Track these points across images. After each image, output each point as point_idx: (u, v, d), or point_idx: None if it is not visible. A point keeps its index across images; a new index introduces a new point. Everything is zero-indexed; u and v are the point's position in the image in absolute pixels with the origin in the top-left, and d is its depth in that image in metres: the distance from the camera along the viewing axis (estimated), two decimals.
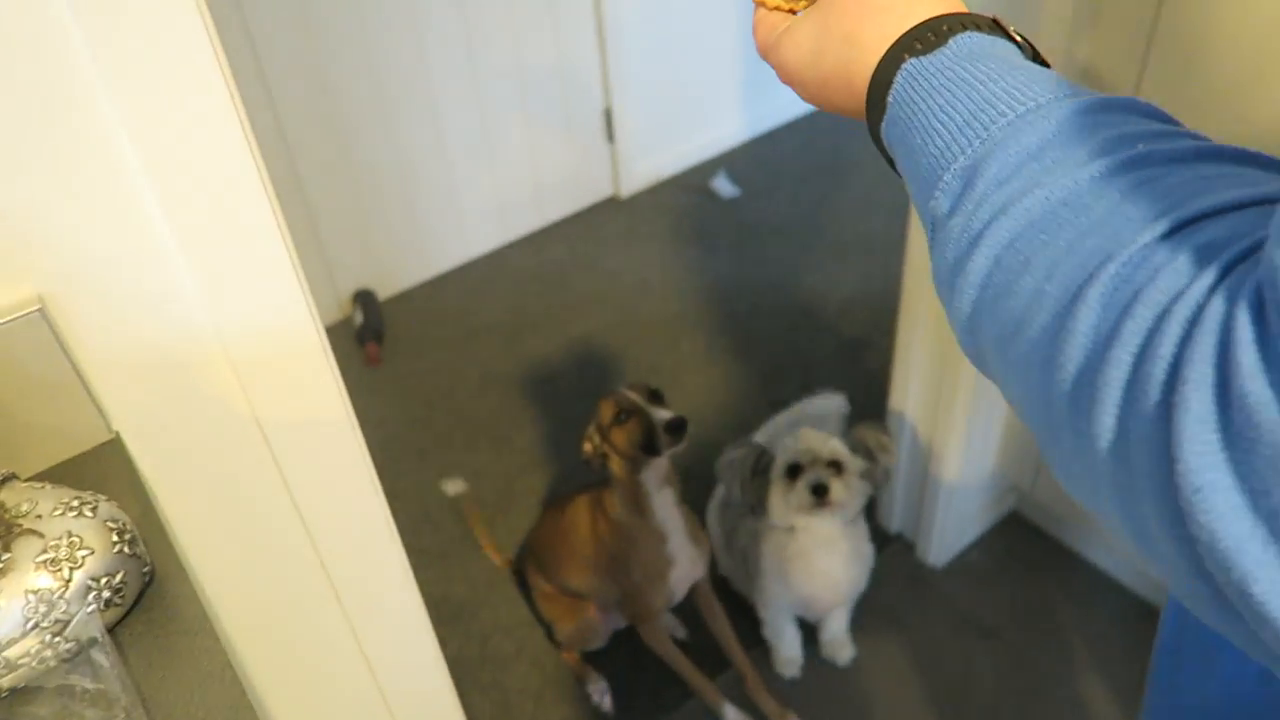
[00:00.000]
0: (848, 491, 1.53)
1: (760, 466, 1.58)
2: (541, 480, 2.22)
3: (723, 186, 3.11)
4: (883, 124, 0.46)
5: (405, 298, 2.84)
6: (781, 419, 1.96)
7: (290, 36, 2.34)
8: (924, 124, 0.42)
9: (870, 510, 2.05)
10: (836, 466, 1.53)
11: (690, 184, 3.18)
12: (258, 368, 0.76)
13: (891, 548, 1.99)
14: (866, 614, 1.87)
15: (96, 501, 0.58)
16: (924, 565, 1.96)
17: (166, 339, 0.71)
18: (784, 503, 1.56)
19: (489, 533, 2.05)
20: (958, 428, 1.72)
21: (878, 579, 1.93)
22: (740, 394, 2.39)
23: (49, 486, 0.59)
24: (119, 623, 0.57)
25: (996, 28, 0.45)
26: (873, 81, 0.46)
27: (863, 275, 2.72)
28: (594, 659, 1.85)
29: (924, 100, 0.42)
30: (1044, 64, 0.45)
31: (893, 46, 0.45)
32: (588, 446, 1.55)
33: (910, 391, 1.78)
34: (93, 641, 0.54)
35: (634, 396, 1.49)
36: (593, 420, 1.54)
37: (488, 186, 2.87)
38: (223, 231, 0.70)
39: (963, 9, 0.46)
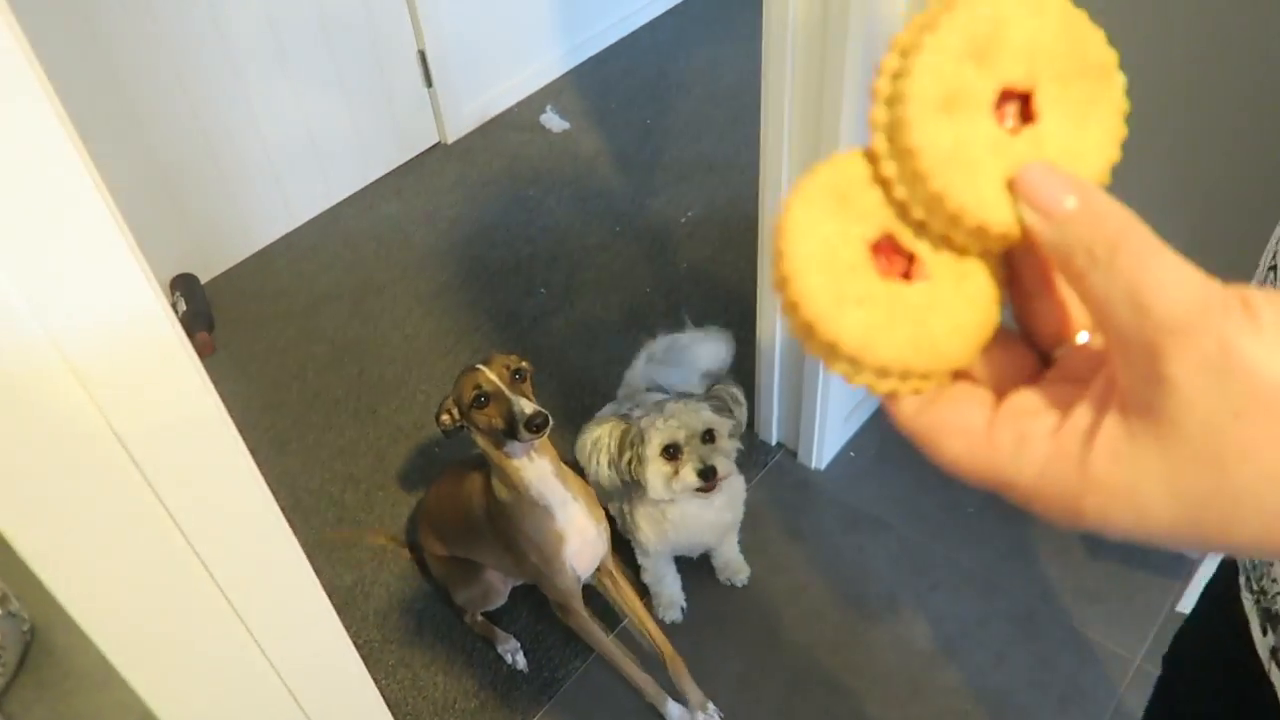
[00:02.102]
0: (729, 460, 1.50)
1: (629, 442, 1.52)
2: (415, 446, 2.13)
3: (552, 120, 3.02)
4: None
5: (230, 277, 2.64)
6: (643, 360, 1.91)
7: (64, 12, 2.08)
8: None
9: (749, 424, 2.08)
10: (710, 435, 1.50)
11: (518, 122, 3.07)
12: (106, 373, 0.66)
13: (774, 458, 2.03)
14: (760, 527, 1.91)
15: None
16: (808, 470, 2.00)
17: None
18: (665, 483, 1.50)
19: (373, 530, 1.95)
20: None
21: (766, 490, 1.97)
22: (606, 328, 2.35)
23: None
24: (3, 692, 0.49)
25: None
26: None
27: (706, 194, 2.71)
28: (499, 618, 1.81)
29: None
30: None
31: None
32: (445, 419, 1.45)
33: (774, 303, 1.79)
34: None
35: (495, 379, 1.40)
36: (451, 393, 1.45)
37: (305, 149, 2.68)
38: (41, 223, 0.59)
39: None
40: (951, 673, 1.67)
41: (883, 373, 0.33)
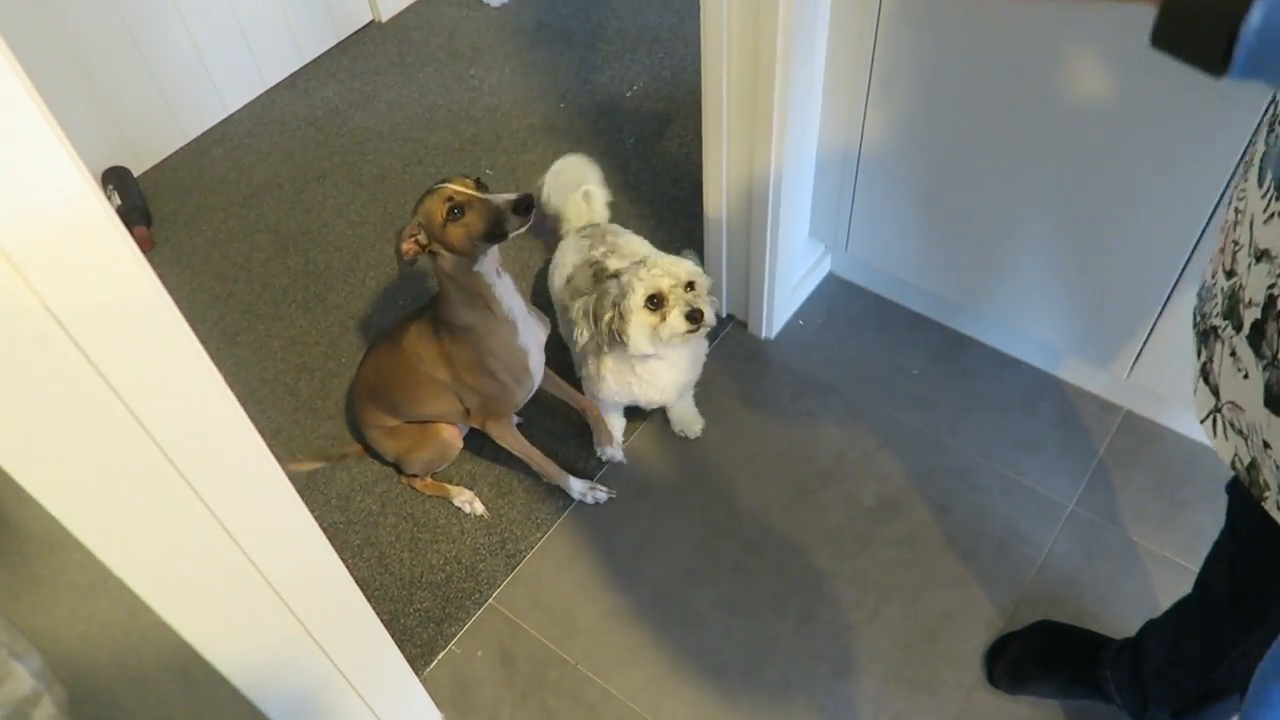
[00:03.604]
0: (712, 309, 1.53)
1: (610, 302, 1.54)
2: (366, 335, 2.13)
3: None
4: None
5: (165, 169, 2.56)
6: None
7: None
8: None
9: None
10: (691, 286, 1.52)
11: None
12: (38, 253, 0.65)
13: (726, 330, 2.06)
14: (713, 396, 1.95)
15: None
16: (758, 340, 2.04)
17: None
18: (648, 334, 1.53)
19: (336, 448, 1.95)
20: (769, 202, 1.75)
21: (719, 362, 2.01)
22: None
23: None
24: None
25: None
26: None
27: (651, 67, 2.66)
28: (448, 477, 1.87)
29: None
30: None
31: None
32: (410, 246, 1.44)
33: (722, 175, 1.78)
34: None
35: (464, 189, 1.41)
36: (414, 218, 1.44)
37: (232, 33, 2.56)
38: None
39: None
40: (897, 525, 1.75)
41: None
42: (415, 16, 2.91)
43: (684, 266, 1.52)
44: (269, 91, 2.71)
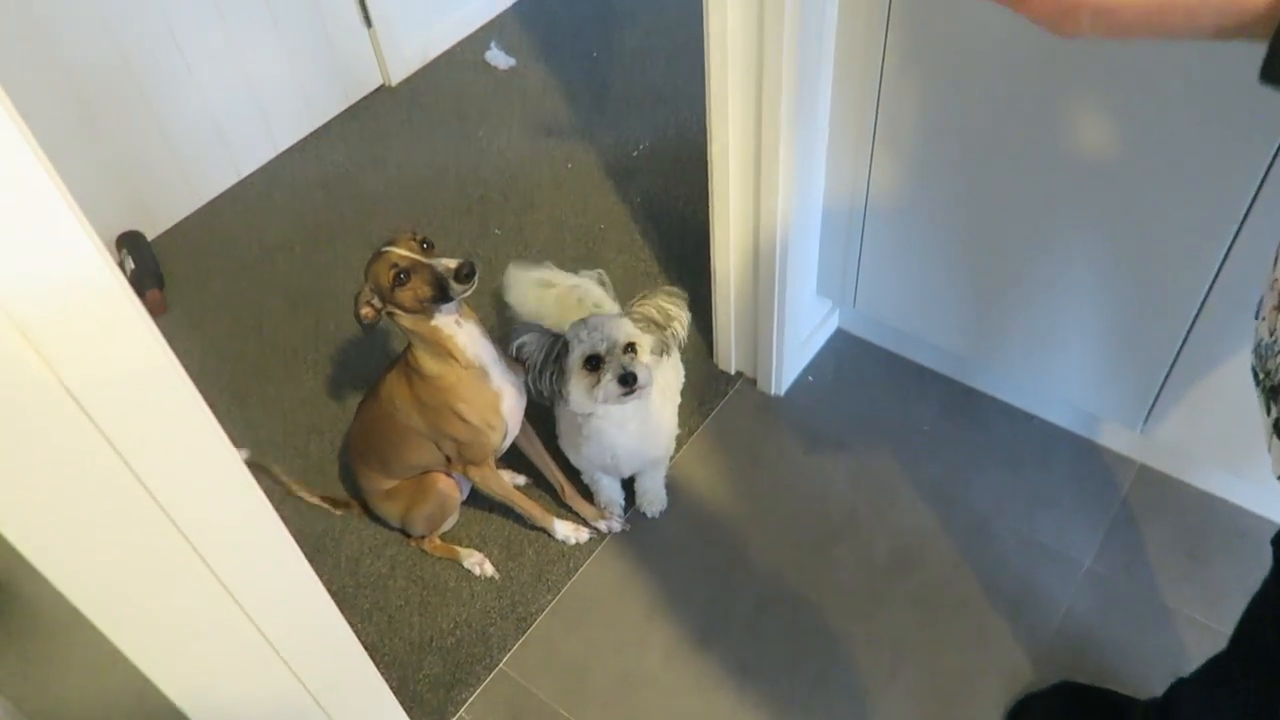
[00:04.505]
0: (648, 372, 1.51)
1: (554, 356, 1.53)
2: None
3: (497, 58, 2.97)
4: None
5: (178, 232, 2.59)
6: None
7: None
8: None
9: (708, 354, 2.10)
10: (632, 348, 1.51)
11: (463, 60, 3.01)
12: (52, 325, 0.66)
13: (735, 387, 2.06)
14: (725, 454, 1.94)
15: None
16: (768, 396, 2.03)
17: None
18: (586, 394, 1.52)
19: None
20: (775, 259, 1.76)
21: (729, 418, 2.00)
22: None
23: None
24: None
25: None
26: None
27: (656, 126, 2.69)
28: (457, 538, 1.86)
29: None
30: None
31: None
32: (367, 311, 1.48)
33: (729, 233, 1.79)
34: None
35: (408, 253, 1.43)
36: (366, 284, 1.47)
37: (245, 98, 2.61)
38: None
39: None
40: (911, 583, 1.72)
41: None
42: (424, 80, 2.96)
43: (622, 329, 1.51)
44: (281, 155, 2.75)
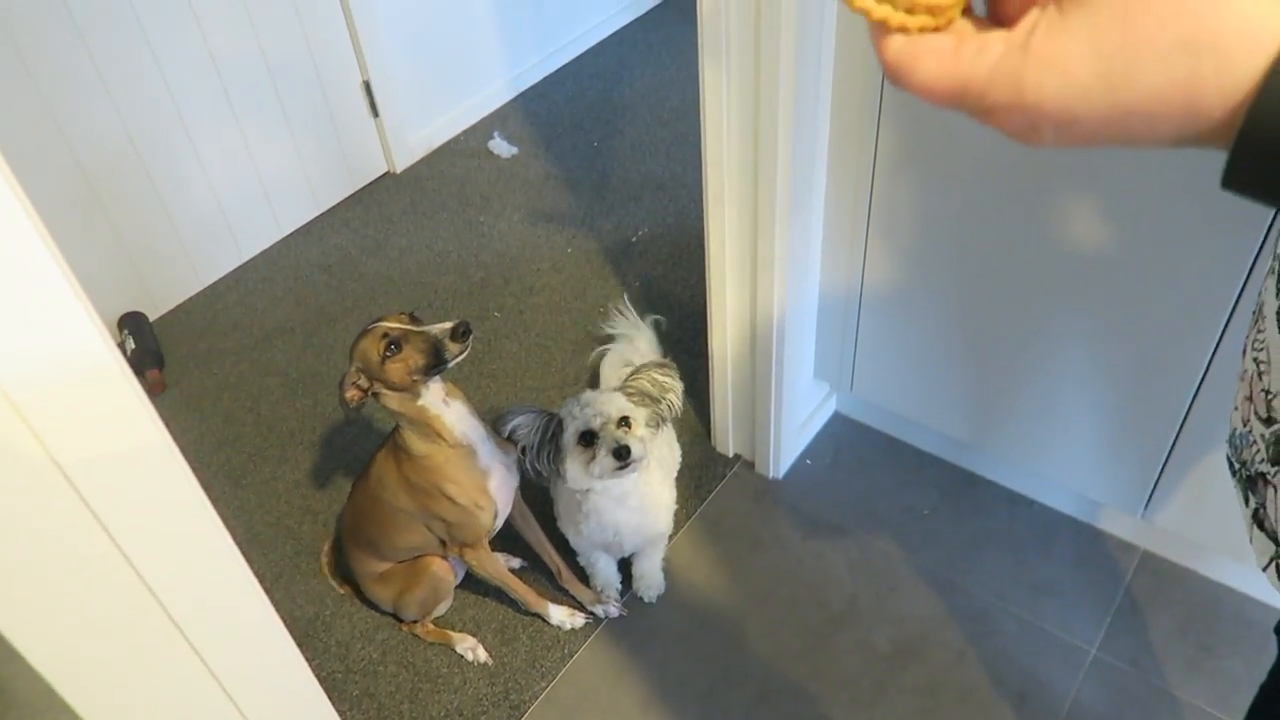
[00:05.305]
0: (643, 445, 1.52)
1: (549, 434, 1.54)
2: None
3: (499, 147, 3.04)
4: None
5: (180, 313, 2.61)
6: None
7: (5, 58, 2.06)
8: None
9: (706, 436, 2.10)
10: (626, 422, 1.52)
11: (466, 149, 3.09)
12: (46, 402, 0.66)
13: (733, 470, 2.05)
14: (722, 538, 1.92)
15: None
16: (766, 480, 2.02)
17: None
18: (583, 470, 1.52)
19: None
20: (773, 344, 1.77)
21: (727, 502, 1.98)
22: (561, 348, 2.36)
23: None
24: None
25: None
26: (1262, 96, 0.34)
27: (655, 213, 2.74)
28: (450, 623, 1.83)
29: None
30: None
31: None
32: (354, 393, 1.46)
33: (726, 318, 1.81)
34: None
35: (398, 324, 1.44)
36: (352, 365, 1.46)
37: (251, 184, 2.67)
38: None
39: None
40: (914, 672, 1.69)
41: (910, 8, 0.39)
42: (428, 167, 3.02)
43: (616, 404, 1.52)
44: (285, 239, 2.80)
